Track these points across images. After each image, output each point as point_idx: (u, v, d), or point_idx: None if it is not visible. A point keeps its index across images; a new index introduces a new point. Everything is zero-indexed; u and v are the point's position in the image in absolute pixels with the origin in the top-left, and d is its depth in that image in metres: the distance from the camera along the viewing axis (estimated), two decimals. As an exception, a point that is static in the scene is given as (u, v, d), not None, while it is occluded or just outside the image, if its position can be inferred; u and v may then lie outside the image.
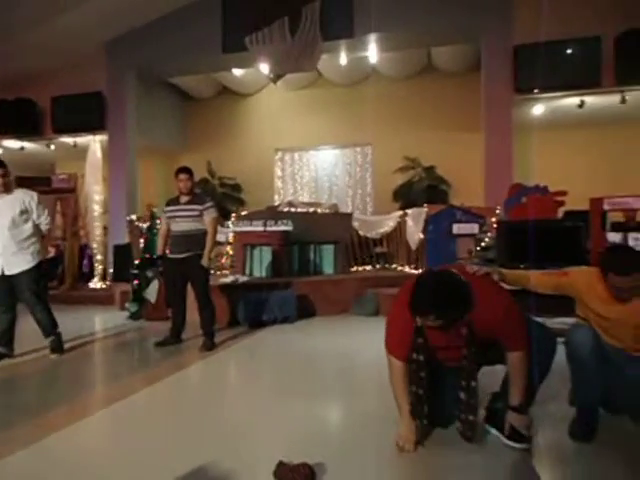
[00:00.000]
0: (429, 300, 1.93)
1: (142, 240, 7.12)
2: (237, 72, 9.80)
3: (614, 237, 4.96)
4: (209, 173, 10.89)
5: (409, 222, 7.50)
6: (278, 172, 11.44)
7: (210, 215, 4.22)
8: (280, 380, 3.45)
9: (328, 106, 10.66)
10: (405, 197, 9.69)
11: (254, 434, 2.46)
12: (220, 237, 7.48)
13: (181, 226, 4.22)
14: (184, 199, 4.26)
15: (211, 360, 3.98)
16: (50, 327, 4.09)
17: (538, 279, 2.36)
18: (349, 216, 7.86)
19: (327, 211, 7.86)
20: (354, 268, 7.52)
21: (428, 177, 9.72)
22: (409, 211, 7.72)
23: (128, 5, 8.12)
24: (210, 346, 4.19)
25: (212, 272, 7.13)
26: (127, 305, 5.85)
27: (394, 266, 7.77)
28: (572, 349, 2.12)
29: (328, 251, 7.01)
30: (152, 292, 5.66)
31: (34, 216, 3.94)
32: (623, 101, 7.13)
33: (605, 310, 2.22)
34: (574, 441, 2.23)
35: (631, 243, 4.63)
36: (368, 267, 7.76)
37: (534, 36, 6.83)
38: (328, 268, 6.96)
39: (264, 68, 8.53)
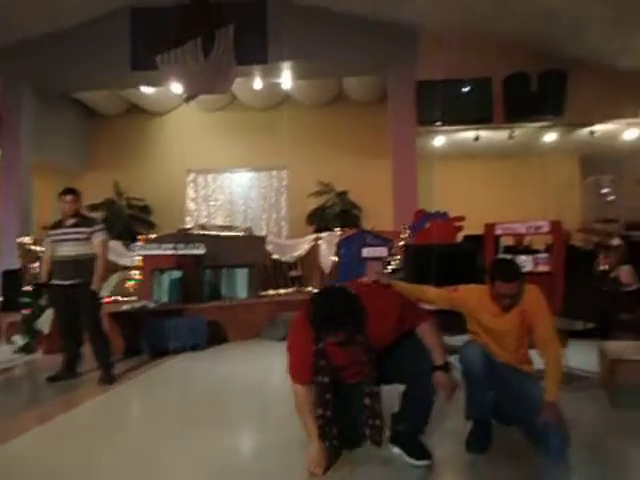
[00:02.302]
0: (330, 312, 1.99)
1: (36, 265, 6.52)
2: (147, 90, 9.50)
3: (505, 259, 5.43)
4: (116, 193, 10.33)
5: (322, 246, 7.65)
6: (191, 194, 11.14)
7: (99, 238, 4.01)
8: (187, 411, 3.30)
9: (243, 129, 10.65)
10: (319, 221, 9.88)
11: (159, 472, 2.31)
12: (126, 261, 7.10)
13: (67, 251, 3.95)
14: (69, 222, 4.02)
15: (110, 394, 3.70)
16: None
17: (432, 293, 2.58)
18: (262, 239, 7.83)
19: (241, 234, 7.77)
20: (268, 292, 7.47)
21: (341, 202, 10.01)
22: (323, 235, 7.89)
23: (24, 12, 7.58)
24: (108, 379, 3.91)
25: (119, 298, 6.74)
26: (13, 338, 5.29)
27: (309, 289, 7.83)
28: (464, 366, 2.27)
29: (241, 275, 6.89)
30: (45, 322, 5.17)
31: None
32: (511, 136, 7.92)
33: (492, 322, 2.42)
34: (470, 453, 2.36)
35: (520, 264, 5.07)
36: (282, 290, 7.76)
37: (435, 73, 7.44)
38: (241, 292, 6.84)
39: (176, 88, 8.37)
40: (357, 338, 2.06)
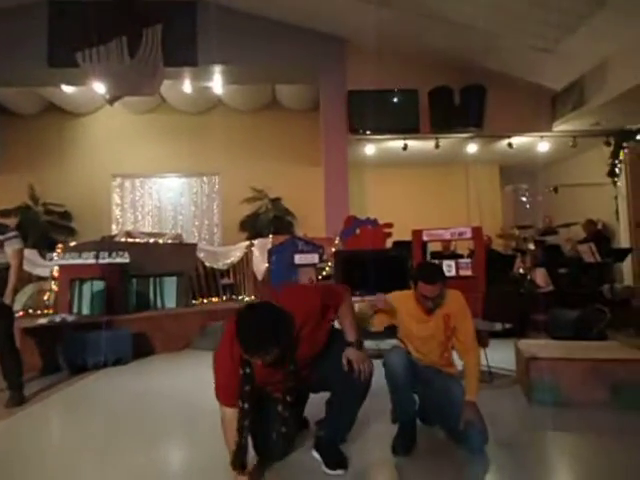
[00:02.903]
0: (258, 339, 1.90)
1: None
2: (67, 89, 8.94)
3: (432, 264, 5.65)
4: (31, 198, 9.61)
5: (255, 252, 7.56)
6: (116, 199, 10.60)
7: (13, 246, 3.69)
8: (109, 433, 3.08)
9: (173, 133, 10.29)
10: (252, 228, 9.76)
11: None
12: (42, 271, 6.62)
13: None
14: None
15: (21, 416, 3.39)
16: None
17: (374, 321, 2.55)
18: (194, 247, 7.60)
19: (170, 241, 7.50)
20: (199, 300, 7.26)
21: (274, 208, 9.94)
22: (255, 242, 7.80)
23: None
24: (18, 400, 3.59)
25: (32, 312, 6.26)
26: None
27: (241, 297, 7.70)
28: (388, 370, 2.31)
29: (170, 284, 6.64)
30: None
31: None
32: (437, 146, 8.26)
33: (417, 328, 2.48)
34: (395, 456, 2.39)
35: (445, 269, 5.30)
36: (215, 299, 7.57)
37: (364, 84, 7.62)
38: (170, 302, 6.58)
39: (99, 88, 7.94)
40: (286, 354, 2.01)
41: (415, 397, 2.50)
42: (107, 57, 7.53)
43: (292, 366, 2.06)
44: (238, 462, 2.06)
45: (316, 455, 2.29)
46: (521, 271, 7.06)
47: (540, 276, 6.94)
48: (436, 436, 2.60)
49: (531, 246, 7.23)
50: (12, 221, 8.95)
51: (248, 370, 2.02)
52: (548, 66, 7.17)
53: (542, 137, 8.46)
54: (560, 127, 8.04)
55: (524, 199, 9.47)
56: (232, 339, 1.98)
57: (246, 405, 2.04)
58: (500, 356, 4.09)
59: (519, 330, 5.11)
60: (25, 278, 6.34)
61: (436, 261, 5.65)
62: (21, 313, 6.11)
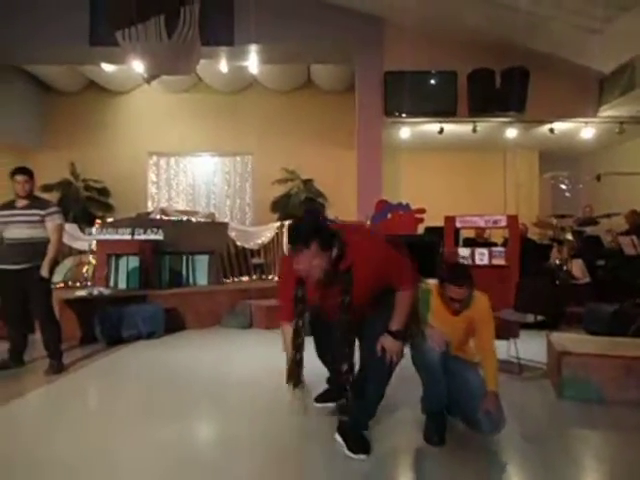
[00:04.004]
0: (296, 232, 2.13)
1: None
2: (107, 67, 9.10)
3: (464, 252, 5.55)
4: (72, 174, 9.92)
5: (286, 234, 7.60)
6: (152, 177, 10.83)
7: (54, 221, 3.83)
8: (142, 402, 3.21)
9: (208, 112, 10.39)
10: (283, 209, 9.81)
11: (110, 464, 2.24)
12: (81, 245, 6.87)
13: (17, 233, 3.74)
14: (22, 203, 3.81)
15: (59, 384, 3.57)
16: None
17: None
18: (225, 226, 7.71)
19: (202, 220, 7.62)
20: (230, 279, 7.39)
21: (306, 190, 9.95)
22: (287, 222, 7.84)
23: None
24: (58, 368, 3.77)
25: (71, 284, 6.52)
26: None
27: (271, 277, 7.80)
28: (425, 359, 2.30)
29: (202, 262, 6.79)
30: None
31: None
32: (474, 130, 8.03)
33: (438, 325, 2.44)
34: (432, 445, 2.38)
35: (477, 257, 5.20)
36: (245, 278, 7.69)
37: (401, 64, 7.44)
38: (201, 279, 6.73)
39: (138, 66, 8.04)
40: (337, 277, 2.16)
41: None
42: (145, 36, 7.57)
43: (347, 297, 2.18)
44: (294, 376, 2.29)
45: (339, 439, 2.31)
46: (557, 262, 6.85)
47: (577, 267, 6.72)
48: (459, 426, 2.59)
49: (569, 236, 6.99)
50: (54, 196, 9.30)
51: (300, 293, 2.27)
52: (597, 48, 6.80)
53: (587, 123, 8.09)
54: (607, 112, 7.66)
55: (564, 187, 9.09)
56: (290, 264, 2.18)
57: (300, 322, 2.28)
58: (531, 348, 4.02)
59: (552, 322, 4.98)
60: (65, 251, 6.60)
61: (468, 249, 5.54)
62: (61, 285, 6.37)
